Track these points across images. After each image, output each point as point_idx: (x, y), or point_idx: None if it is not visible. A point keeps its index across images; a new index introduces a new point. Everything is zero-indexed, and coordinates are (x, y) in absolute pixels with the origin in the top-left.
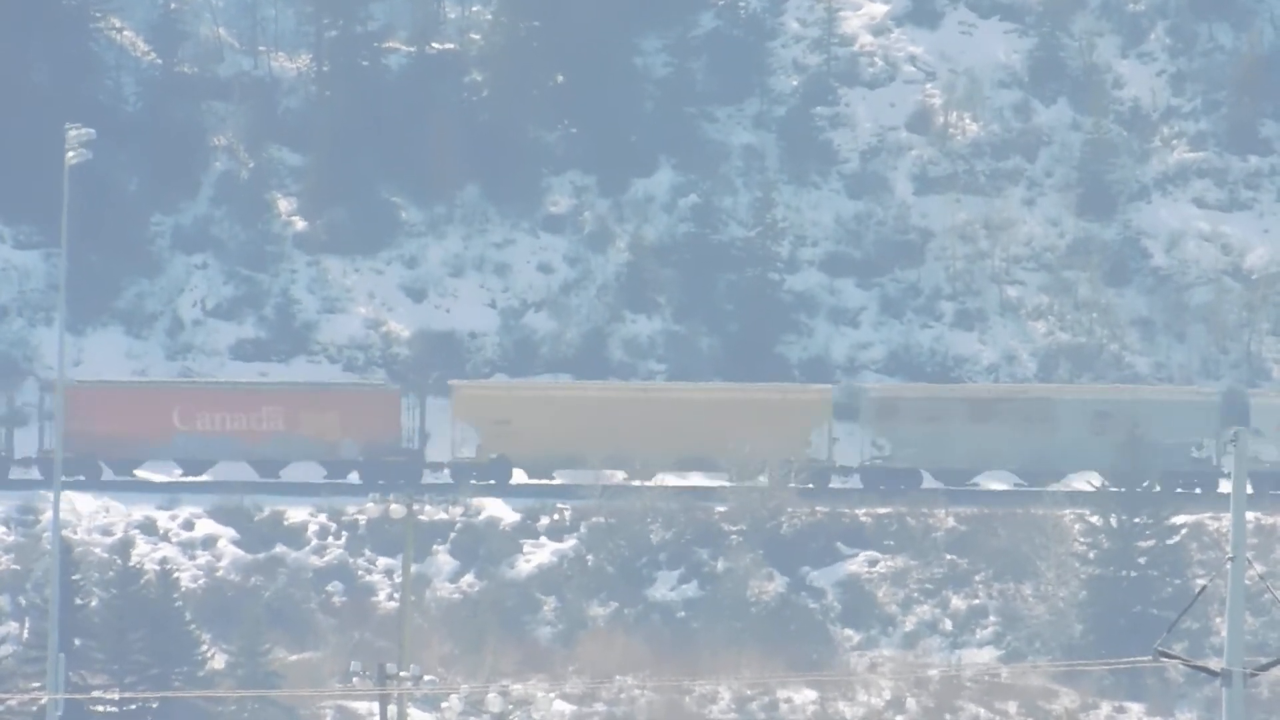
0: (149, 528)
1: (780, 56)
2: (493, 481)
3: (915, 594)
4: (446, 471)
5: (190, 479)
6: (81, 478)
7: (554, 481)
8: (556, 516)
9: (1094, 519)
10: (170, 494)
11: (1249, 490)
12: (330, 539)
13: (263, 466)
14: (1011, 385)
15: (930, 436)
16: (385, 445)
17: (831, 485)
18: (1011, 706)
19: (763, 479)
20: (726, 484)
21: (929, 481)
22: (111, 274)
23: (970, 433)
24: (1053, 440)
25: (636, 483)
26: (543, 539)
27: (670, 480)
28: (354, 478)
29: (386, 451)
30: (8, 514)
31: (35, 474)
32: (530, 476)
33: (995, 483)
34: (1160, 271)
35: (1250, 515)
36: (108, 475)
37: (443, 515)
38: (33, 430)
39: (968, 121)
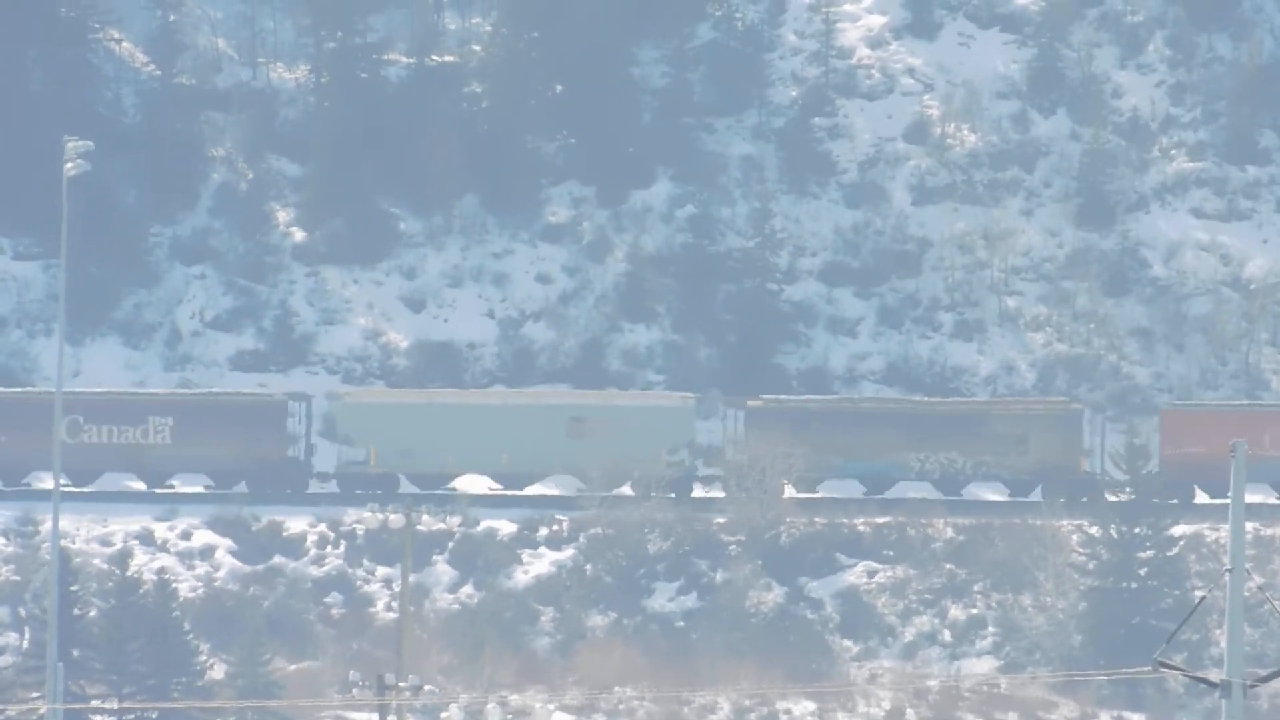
0: (147, 538)
1: (778, 68)
2: None
3: (914, 604)
4: None
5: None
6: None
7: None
8: (555, 527)
9: (1093, 530)
10: (169, 505)
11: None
12: (329, 549)
13: None
14: None
15: None
16: None
17: None
18: (1011, 717)
19: None
20: None
21: None
22: (110, 285)
23: None
24: None
25: None
26: (541, 549)
27: None
28: None
29: None
30: (7, 525)
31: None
32: None
33: None
34: (1159, 282)
35: (1249, 526)
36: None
37: (440, 525)
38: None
39: (966, 132)
